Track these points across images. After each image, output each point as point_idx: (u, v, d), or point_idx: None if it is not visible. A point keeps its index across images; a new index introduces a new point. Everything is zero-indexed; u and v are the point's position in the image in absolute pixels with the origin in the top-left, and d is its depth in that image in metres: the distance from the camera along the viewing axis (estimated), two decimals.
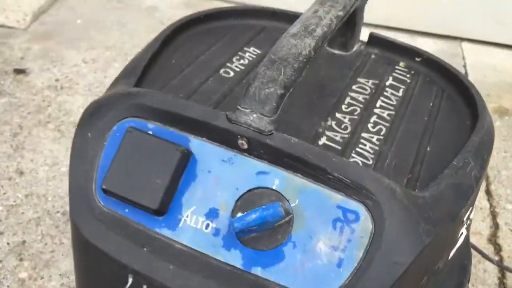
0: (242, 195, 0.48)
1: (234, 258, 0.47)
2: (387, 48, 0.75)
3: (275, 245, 0.47)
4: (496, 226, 1.43)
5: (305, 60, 0.52)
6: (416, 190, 0.50)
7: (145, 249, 0.49)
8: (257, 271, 0.47)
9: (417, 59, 0.74)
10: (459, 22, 2.09)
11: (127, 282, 0.49)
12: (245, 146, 0.49)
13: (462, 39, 2.12)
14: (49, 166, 1.50)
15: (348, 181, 0.46)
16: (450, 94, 0.69)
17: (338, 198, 0.46)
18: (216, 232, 0.48)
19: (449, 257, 0.58)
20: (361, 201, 0.46)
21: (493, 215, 1.46)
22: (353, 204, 0.46)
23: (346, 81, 0.68)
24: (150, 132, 0.51)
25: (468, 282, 0.66)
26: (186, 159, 0.50)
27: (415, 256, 0.45)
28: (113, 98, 0.54)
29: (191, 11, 2.47)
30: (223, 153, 0.50)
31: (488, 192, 1.51)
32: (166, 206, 0.49)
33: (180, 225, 0.49)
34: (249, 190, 0.48)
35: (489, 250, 1.35)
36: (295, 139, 0.48)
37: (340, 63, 0.72)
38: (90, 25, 2.08)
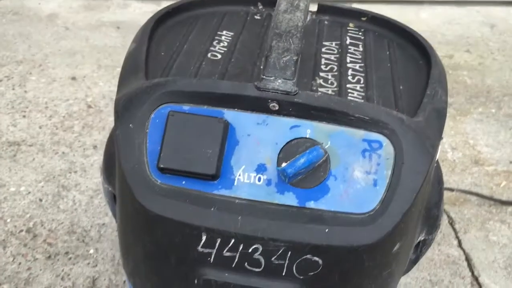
0: (282, 147, 0.58)
1: (289, 199, 0.57)
2: (335, 14, 0.87)
3: (320, 181, 0.57)
4: None
5: (301, 29, 0.62)
6: (413, 118, 0.62)
7: (212, 209, 0.56)
8: (311, 204, 0.57)
9: (363, 18, 0.86)
10: None
11: (201, 240, 0.56)
12: (276, 108, 0.58)
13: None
14: None
15: (367, 118, 0.57)
16: (399, 43, 0.82)
17: (361, 133, 0.57)
18: (268, 182, 0.57)
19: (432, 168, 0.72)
20: (380, 132, 0.57)
21: None
22: (375, 136, 0.57)
23: (315, 46, 0.79)
24: (190, 112, 0.58)
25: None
26: (227, 130, 0.58)
27: (429, 166, 0.57)
28: (141, 90, 0.60)
29: (93, 13, 2.47)
30: (256, 117, 0.58)
31: None
32: (219, 171, 0.57)
33: (235, 183, 0.58)
34: (287, 143, 0.58)
35: None
36: (317, 94, 0.58)
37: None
38: None
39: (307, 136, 0.58)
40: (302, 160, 0.55)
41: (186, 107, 0.59)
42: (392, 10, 2.28)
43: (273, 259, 0.57)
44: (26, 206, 1.43)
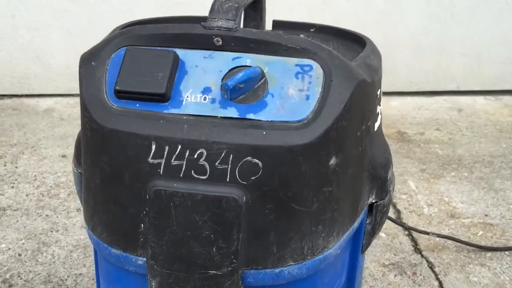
0: (226, 73, 0.65)
1: (231, 112, 0.63)
2: (288, 28, 0.99)
3: (259, 99, 0.64)
4: (398, 211, 1.68)
5: None
6: None
7: (160, 121, 0.62)
8: (251, 116, 0.63)
9: (311, 29, 0.99)
10: None
11: (151, 150, 0.62)
12: (220, 43, 0.67)
13: None
14: None
15: (299, 47, 0.66)
16: (343, 43, 0.93)
17: (294, 60, 0.66)
18: (213, 101, 0.64)
19: (375, 130, 0.78)
20: (310, 58, 0.65)
21: (393, 204, 1.70)
22: (306, 61, 0.65)
23: None
24: (144, 48, 0.67)
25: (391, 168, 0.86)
26: (177, 61, 0.66)
27: (356, 85, 0.65)
28: (106, 40, 0.70)
29: None
30: (203, 53, 0.67)
31: None
32: (169, 92, 0.64)
33: (184, 103, 0.64)
34: (230, 70, 0.66)
35: (398, 228, 1.58)
36: (255, 29, 0.67)
37: None
38: None
39: (247, 64, 0.66)
40: (240, 74, 0.63)
41: (141, 47, 0.68)
42: None
43: (217, 164, 0.61)
44: (5, 260, 1.43)
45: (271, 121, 0.63)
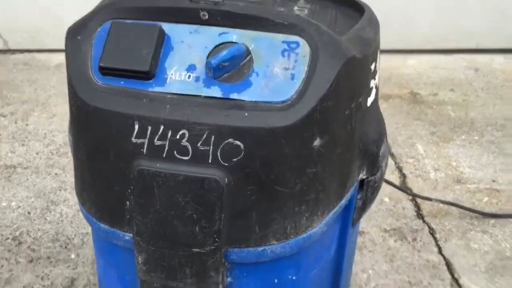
0: (211, 50, 0.64)
1: (214, 92, 0.62)
2: None
3: (244, 77, 0.63)
4: (403, 176, 1.67)
5: None
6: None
7: (144, 100, 0.62)
8: (234, 96, 0.62)
9: None
10: None
11: (134, 130, 0.61)
12: (206, 17, 0.65)
13: None
14: None
15: (287, 23, 0.64)
16: (342, 10, 0.90)
17: (281, 37, 0.64)
18: (197, 79, 0.63)
19: (367, 106, 0.77)
20: (298, 34, 0.63)
21: (399, 168, 1.70)
22: (293, 38, 0.63)
23: None
24: (129, 22, 0.66)
25: (387, 140, 0.85)
26: (163, 37, 0.65)
27: (344, 63, 0.63)
28: (92, 12, 0.69)
29: None
30: (189, 27, 0.66)
31: (390, 153, 1.76)
32: (154, 70, 0.63)
33: (168, 81, 0.64)
34: (216, 46, 0.64)
35: (402, 194, 1.57)
36: (242, 3, 0.65)
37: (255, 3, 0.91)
38: (1, 86, 2.14)
39: (233, 40, 0.64)
40: (224, 52, 0.61)
41: (129, 22, 0.67)
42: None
43: (199, 145, 0.61)
44: (15, 218, 1.48)
45: (254, 101, 0.62)
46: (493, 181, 1.65)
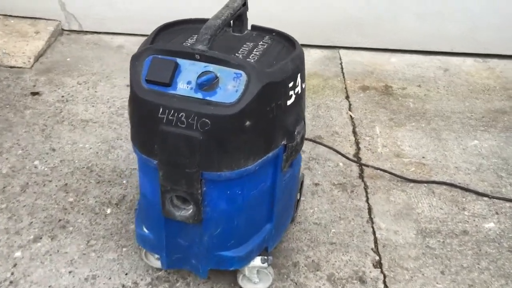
0: (199, 74, 1.31)
1: (199, 95, 1.30)
2: (260, 31, 1.61)
3: (214, 89, 1.30)
4: (358, 149, 2.30)
5: (219, 26, 1.36)
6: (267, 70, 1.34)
7: (165, 97, 1.30)
8: (208, 98, 1.29)
9: (273, 34, 1.60)
10: (336, 36, 3.02)
11: (159, 110, 1.30)
12: (198, 57, 1.32)
13: (339, 47, 3.05)
14: (70, 145, 2.26)
15: (236, 63, 1.30)
16: (287, 46, 1.55)
17: (233, 70, 1.30)
18: (191, 88, 1.31)
19: (287, 105, 1.42)
20: (241, 69, 1.30)
21: (357, 143, 2.33)
22: (239, 71, 1.30)
23: (241, 44, 1.53)
24: (161, 57, 1.34)
25: (304, 122, 1.50)
26: (176, 65, 1.32)
27: (263, 86, 1.29)
28: (143, 50, 1.37)
29: None
30: (189, 62, 1.32)
31: (354, 132, 2.39)
32: (171, 82, 1.31)
33: (177, 88, 1.31)
34: (202, 73, 1.31)
35: (353, 164, 2.21)
36: (218, 52, 1.32)
37: (238, 38, 1.57)
38: (77, 61, 2.88)
39: (210, 70, 1.31)
40: (205, 77, 1.28)
41: (160, 56, 1.34)
42: (369, 54, 2.99)
43: (189, 120, 1.29)
44: (88, 155, 2.21)
45: (217, 101, 1.29)
46: (423, 157, 2.27)
